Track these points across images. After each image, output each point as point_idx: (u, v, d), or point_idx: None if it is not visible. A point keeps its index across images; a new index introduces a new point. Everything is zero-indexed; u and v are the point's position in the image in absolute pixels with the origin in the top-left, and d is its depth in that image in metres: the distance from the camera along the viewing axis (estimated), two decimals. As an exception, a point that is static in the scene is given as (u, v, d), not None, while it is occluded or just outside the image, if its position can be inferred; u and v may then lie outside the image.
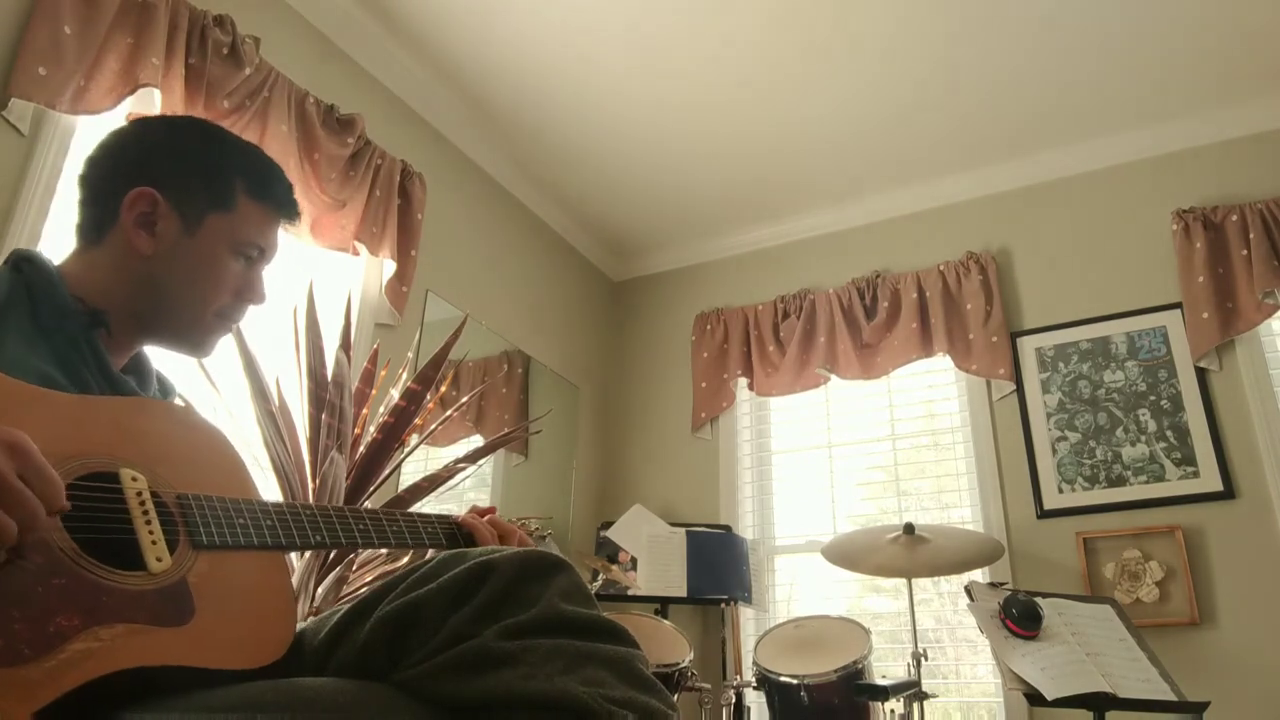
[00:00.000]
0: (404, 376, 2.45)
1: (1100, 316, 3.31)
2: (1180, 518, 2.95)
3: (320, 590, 1.83)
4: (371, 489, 2.00)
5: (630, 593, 3.02)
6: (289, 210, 1.20)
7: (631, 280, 4.49)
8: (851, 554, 2.72)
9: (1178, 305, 3.18)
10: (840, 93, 3.25)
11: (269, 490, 1.38)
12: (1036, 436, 3.26)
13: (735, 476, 3.79)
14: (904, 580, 2.69)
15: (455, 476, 2.10)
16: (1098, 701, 1.94)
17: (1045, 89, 3.21)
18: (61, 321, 1.01)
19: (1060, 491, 3.15)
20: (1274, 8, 2.83)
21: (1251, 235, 3.06)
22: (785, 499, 3.73)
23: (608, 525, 3.38)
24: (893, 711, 2.39)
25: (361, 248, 2.86)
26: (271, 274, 1.21)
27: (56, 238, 2.03)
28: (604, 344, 4.33)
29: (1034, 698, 1.95)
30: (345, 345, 2.07)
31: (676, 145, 3.58)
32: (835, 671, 2.32)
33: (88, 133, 2.15)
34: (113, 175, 1.09)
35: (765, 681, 2.41)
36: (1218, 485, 2.93)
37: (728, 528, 3.57)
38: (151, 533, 0.84)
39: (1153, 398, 3.13)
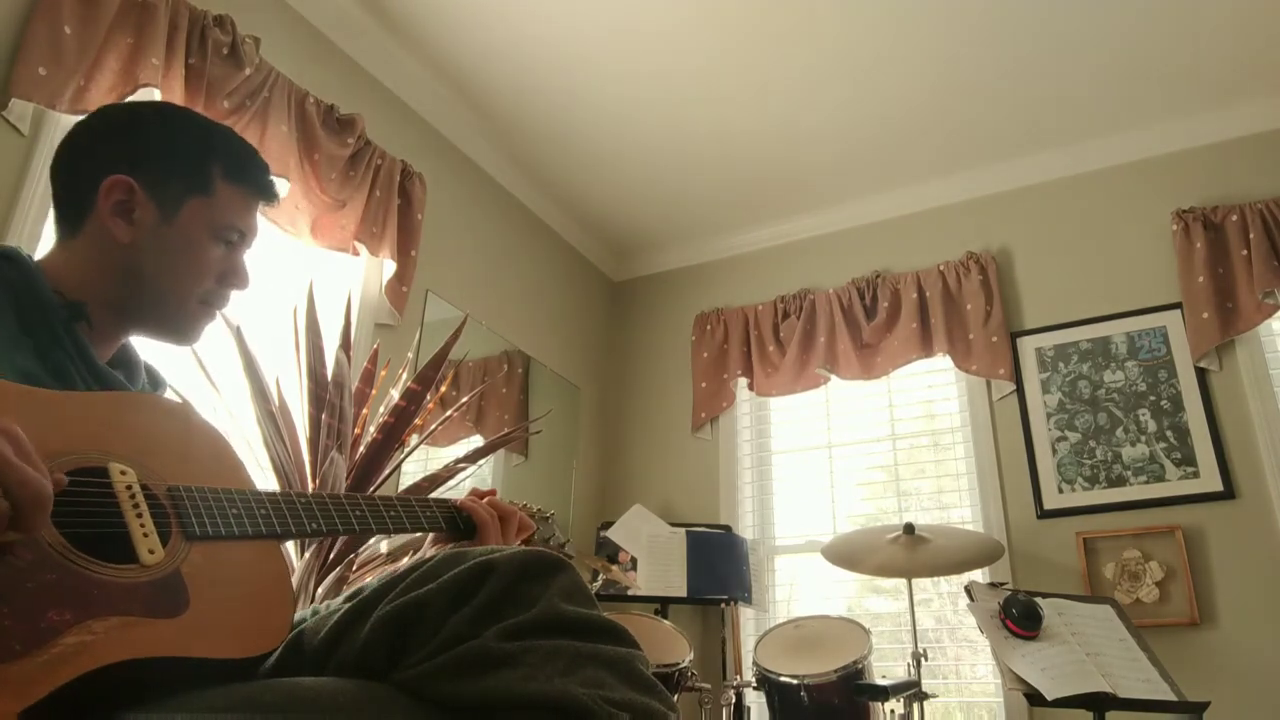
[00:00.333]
0: (404, 377, 2.45)
1: (1100, 316, 3.31)
2: (1180, 518, 2.95)
3: (320, 590, 1.83)
4: (371, 489, 2.00)
5: (630, 593, 3.02)
6: (268, 192, 1.18)
7: (631, 280, 4.49)
8: (851, 554, 2.72)
9: (1178, 305, 3.18)
10: (840, 93, 3.25)
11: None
12: (1036, 436, 3.26)
13: (735, 476, 3.79)
14: (904, 580, 2.69)
15: (455, 476, 2.11)
16: (1098, 701, 1.94)
17: (1045, 89, 3.21)
18: (44, 317, 1.00)
19: (1060, 491, 3.15)
20: (1274, 8, 2.83)
21: (1251, 235, 3.06)
22: (785, 499, 3.73)
23: (608, 525, 3.38)
24: (893, 711, 2.39)
25: (361, 248, 2.85)
26: (255, 259, 1.19)
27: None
28: (604, 344, 4.33)
29: (1034, 698, 1.96)
30: (345, 345, 2.07)
31: (677, 145, 3.58)
32: (835, 671, 2.32)
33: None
34: (88, 164, 1.07)
35: (765, 681, 2.41)
36: (1218, 485, 2.93)
37: (728, 528, 3.57)
38: (143, 525, 0.83)
39: (1153, 398, 3.13)
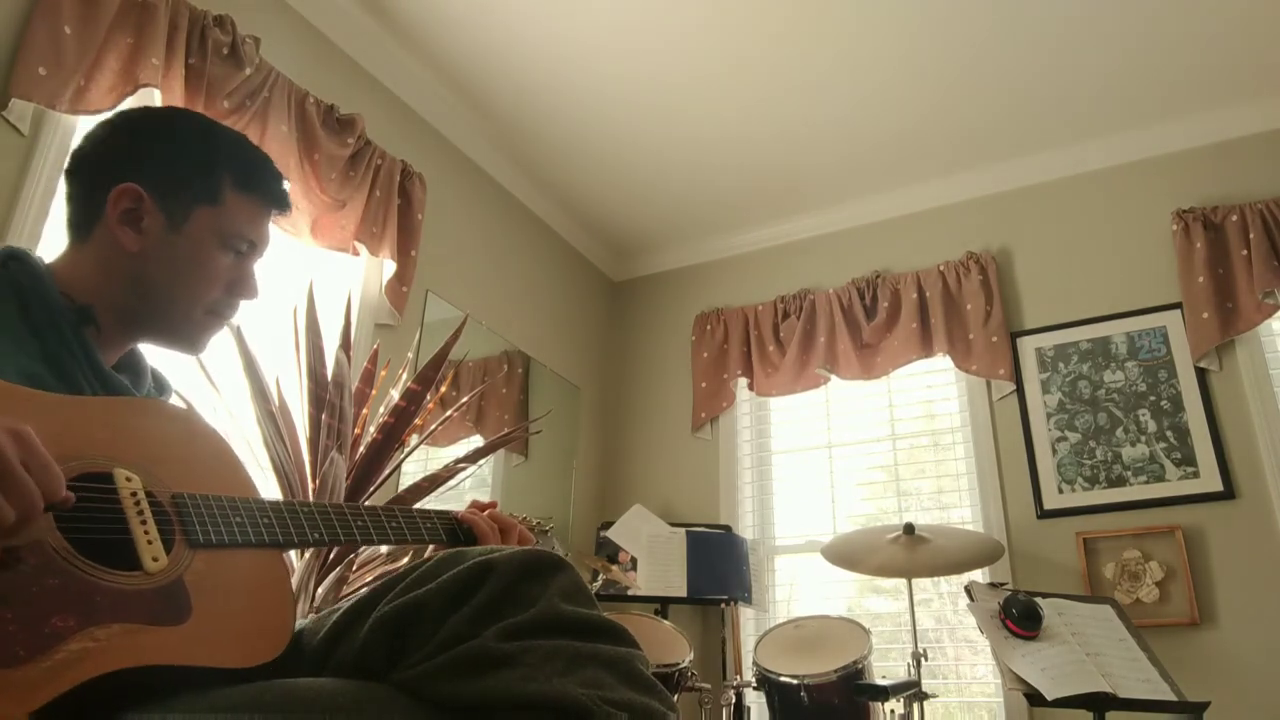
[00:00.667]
0: (404, 377, 2.45)
1: (1100, 317, 3.31)
2: (1180, 518, 2.95)
3: (320, 590, 1.83)
4: (371, 489, 2.00)
5: (630, 593, 3.02)
6: (279, 201, 1.17)
7: (631, 280, 4.49)
8: (851, 554, 2.72)
9: (1178, 305, 3.18)
10: (840, 93, 3.25)
11: (269, 490, 1.38)
12: (1036, 436, 3.26)
13: (735, 476, 3.79)
14: (904, 580, 2.69)
15: (455, 476, 2.11)
16: (1098, 701, 1.94)
17: (1045, 89, 3.21)
18: (51, 319, 1.00)
19: (1060, 492, 3.15)
20: (1274, 8, 2.83)
21: (1251, 235, 3.06)
22: (785, 499, 3.73)
23: (608, 525, 3.38)
24: (893, 711, 2.39)
25: (361, 248, 2.85)
26: (266, 269, 1.19)
27: (57, 238, 2.03)
28: (604, 344, 4.33)
29: (1034, 698, 1.95)
30: (345, 345, 2.07)
31: (677, 145, 3.58)
32: (835, 671, 2.32)
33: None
34: (99, 170, 1.07)
35: (765, 681, 2.41)
36: (1218, 485, 2.93)
37: (728, 528, 3.57)
38: (147, 532, 0.83)
39: (1153, 398, 3.13)
